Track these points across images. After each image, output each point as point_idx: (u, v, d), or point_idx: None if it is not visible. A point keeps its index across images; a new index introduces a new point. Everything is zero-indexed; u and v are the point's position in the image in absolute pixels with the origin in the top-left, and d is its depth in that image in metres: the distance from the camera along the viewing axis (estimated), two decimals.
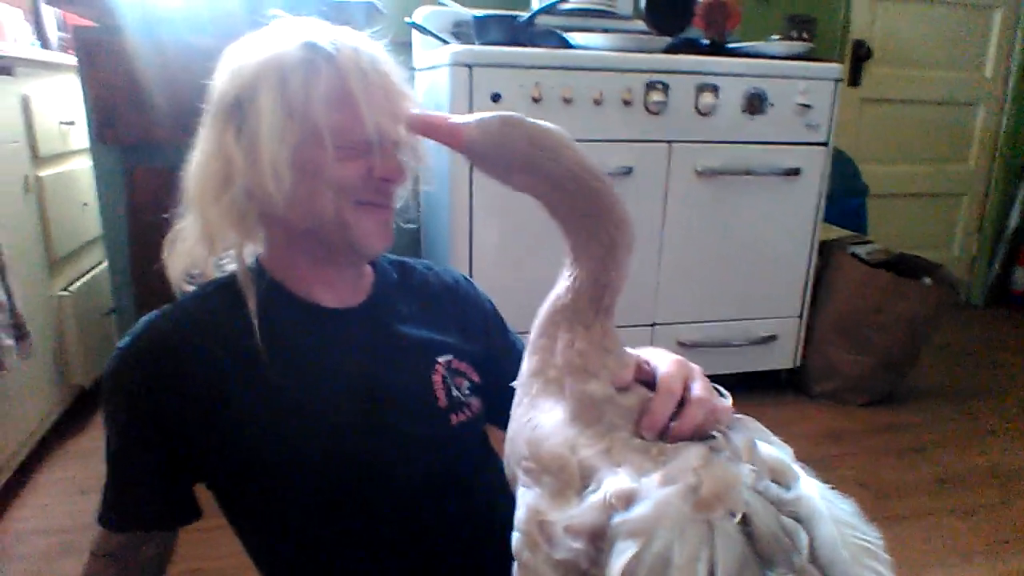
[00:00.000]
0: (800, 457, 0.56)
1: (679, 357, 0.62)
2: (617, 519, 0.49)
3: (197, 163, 0.77)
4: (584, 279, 0.59)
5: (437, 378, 0.84)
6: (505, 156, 0.59)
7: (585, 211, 0.58)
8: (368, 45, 0.77)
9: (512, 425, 0.62)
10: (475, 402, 0.87)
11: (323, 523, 0.78)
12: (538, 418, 0.59)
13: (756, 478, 0.50)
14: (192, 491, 0.81)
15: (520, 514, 0.55)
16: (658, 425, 0.56)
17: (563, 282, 0.61)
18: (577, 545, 0.50)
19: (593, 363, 0.59)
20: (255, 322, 0.76)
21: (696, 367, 0.62)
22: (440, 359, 0.86)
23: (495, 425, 0.91)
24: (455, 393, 0.84)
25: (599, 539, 0.49)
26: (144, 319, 0.78)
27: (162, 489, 0.78)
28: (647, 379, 0.61)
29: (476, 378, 0.89)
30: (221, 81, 0.76)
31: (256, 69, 0.73)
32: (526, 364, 0.63)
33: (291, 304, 0.81)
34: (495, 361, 0.92)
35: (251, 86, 0.73)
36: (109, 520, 0.78)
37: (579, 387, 0.58)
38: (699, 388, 0.59)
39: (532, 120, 0.59)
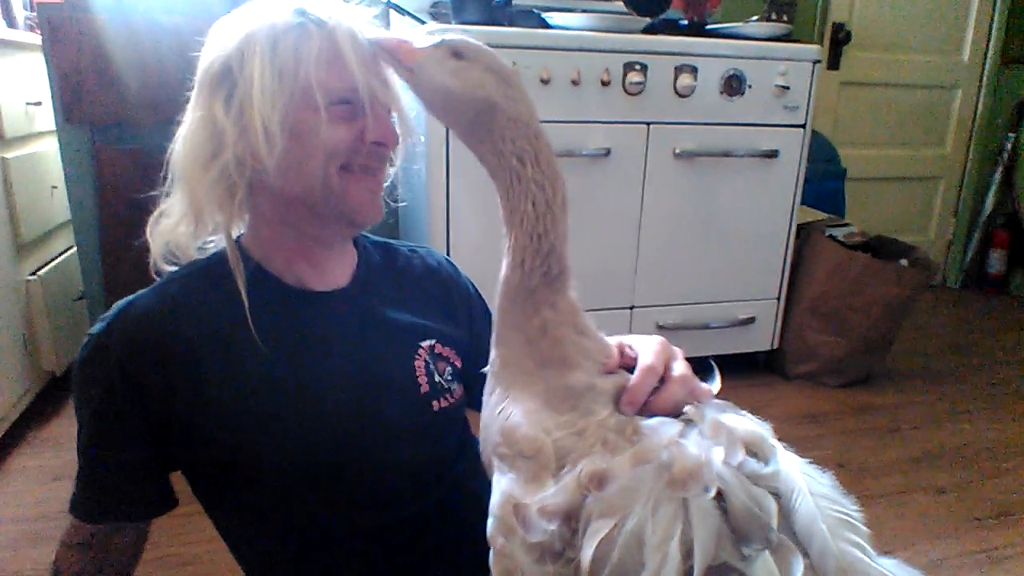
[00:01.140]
0: (777, 438, 0.56)
1: (661, 339, 0.63)
2: (590, 499, 0.49)
3: (184, 136, 0.75)
4: (523, 243, 0.58)
5: (420, 363, 0.83)
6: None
7: (515, 156, 0.58)
8: (358, 13, 0.76)
9: (485, 413, 0.62)
10: (457, 388, 0.86)
11: (303, 507, 0.77)
12: (512, 407, 0.58)
13: (729, 452, 0.50)
14: (168, 480, 0.79)
15: (495, 499, 0.55)
16: (638, 401, 0.57)
17: (505, 260, 0.59)
18: (551, 527, 0.49)
19: (572, 354, 0.58)
20: (245, 299, 0.74)
21: (678, 350, 0.63)
22: (423, 344, 0.85)
23: (478, 411, 0.91)
24: (437, 379, 0.83)
25: (573, 520, 0.49)
26: (118, 304, 0.76)
27: (137, 479, 0.76)
28: (629, 365, 0.61)
29: (458, 363, 0.88)
30: (209, 51, 0.74)
31: (246, 36, 0.72)
32: (494, 353, 0.62)
33: (274, 286, 0.79)
34: (478, 345, 0.91)
35: (241, 52, 0.71)
36: (81, 510, 0.76)
37: (559, 379, 0.58)
38: (680, 368, 0.60)
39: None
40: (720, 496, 0.48)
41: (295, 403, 0.75)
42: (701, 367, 0.66)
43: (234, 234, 0.80)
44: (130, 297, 0.77)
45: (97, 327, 0.74)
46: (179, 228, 0.77)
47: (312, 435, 0.75)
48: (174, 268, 0.79)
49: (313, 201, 0.75)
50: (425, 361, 0.84)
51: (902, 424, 2.16)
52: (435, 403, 0.82)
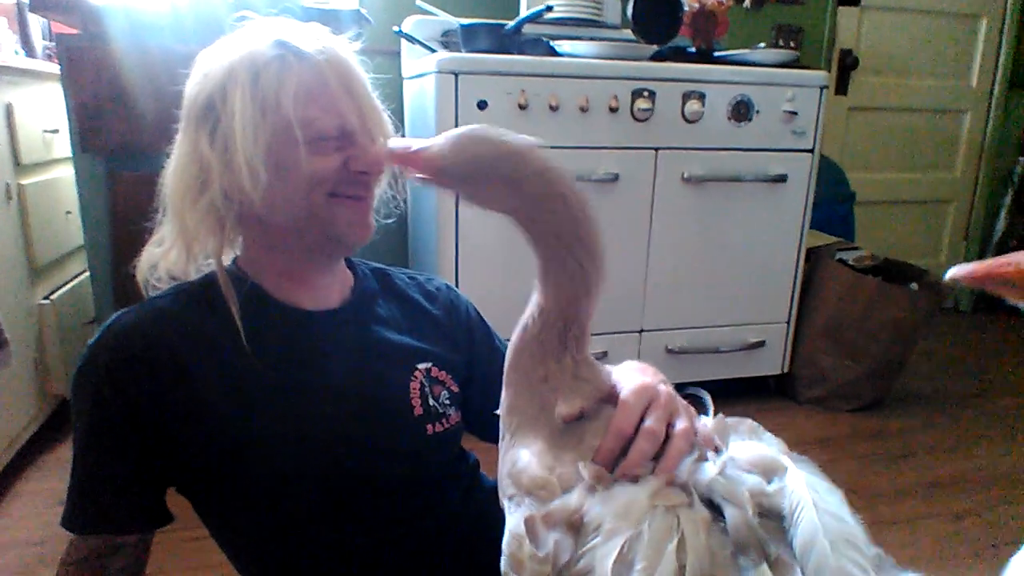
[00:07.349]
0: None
1: (644, 382, 0.61)
2: (589, 508, 0.51)
3: (173, 169, 0.77)
4: (551, 310, 0.59)
5: (415, 385, 0.83)
6: (478, 174, 0.57)
7: (560, 235, 0.57)
8: (339, 45, 0.77)
9: (500, 460, 0.63)
10: (454, 414, 0.86)
11: (295, 527, 0.77)
12: (518, 451, 0.59)
13: (723, 464, 0.52)
14: (161, 495, 0.79)
15: (506, 538, 0.55)
16: (607, 464, 0.55)
17: (531, 307, 0.60)
18: (556, 535, 0.50)
19: (572, 398, 0.59)
20: (239, 325, 0.75)
21: (662, 390, 0.61)
22: (420, 366, 0.85)
23: (478, 435, 0.91)
24: (431, 402, 0.83)
25: (575, 527, 0.50)
26: (114, 315, 0.77)
27: (129, 489, 0.75)
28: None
29: (455, 388, 0.87)
30: (193, 84, 0.76)
31: (228, 69, 0.73)
32: (504, 396, 0.63)
33: (270, 306, 0.80)
34: (480, 368, 0.91)
35: (223, 86, 0.73)
36: (70, 521, 0.75)
37: (557, 420, 0.58)
38: (657, 419, 0.57)
39: (501, 133, 0.57)
40: (718, 509, 0.49)
41: (287, 417, 0.75)
42: (689, 396, 0.65)
43: (228, 258, 0.81)
44: (127, 308, 0.78)
45: (92, 339, 0.75)
46: (169, 256, 0.78)
47: (303, 450, 0.75)
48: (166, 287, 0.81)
49: (300, 228, 0.77)
50: (421, 383, 0.83)
51: (915, 449, 2.14)
52: (429, 427, 0.82)
